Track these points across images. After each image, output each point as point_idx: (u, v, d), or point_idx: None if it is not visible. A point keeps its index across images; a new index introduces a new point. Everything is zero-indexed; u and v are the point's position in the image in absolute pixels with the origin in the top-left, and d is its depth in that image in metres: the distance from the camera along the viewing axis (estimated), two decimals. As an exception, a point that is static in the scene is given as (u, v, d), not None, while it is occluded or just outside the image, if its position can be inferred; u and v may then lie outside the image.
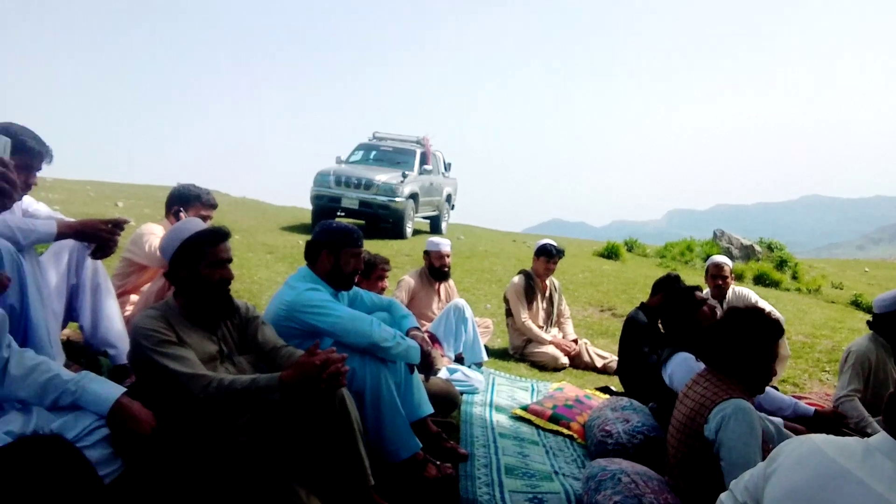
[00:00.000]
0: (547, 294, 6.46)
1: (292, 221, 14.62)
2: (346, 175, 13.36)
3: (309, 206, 14.03)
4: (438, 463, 3.21)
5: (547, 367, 6.01)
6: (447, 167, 17.03)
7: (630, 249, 16.30)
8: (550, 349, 6.10)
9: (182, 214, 4.11)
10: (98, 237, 3.09)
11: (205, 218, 4.09)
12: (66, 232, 3.01)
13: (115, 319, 3.49)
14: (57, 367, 2.08)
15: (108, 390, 2.14)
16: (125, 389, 2.00)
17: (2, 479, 1.03)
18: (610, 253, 14.64)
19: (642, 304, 5.19)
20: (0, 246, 2.49)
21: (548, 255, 6.34)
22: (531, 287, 6.31)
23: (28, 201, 3.31)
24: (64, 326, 3.48)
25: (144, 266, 4.05)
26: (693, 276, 10.56)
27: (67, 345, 3.40)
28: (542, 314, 6.37)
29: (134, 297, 4.07)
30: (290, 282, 3.26)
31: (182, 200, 4.18)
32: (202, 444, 2.52)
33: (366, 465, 2.61)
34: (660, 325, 4.96)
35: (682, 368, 3.50)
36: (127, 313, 3.86)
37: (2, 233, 2.63)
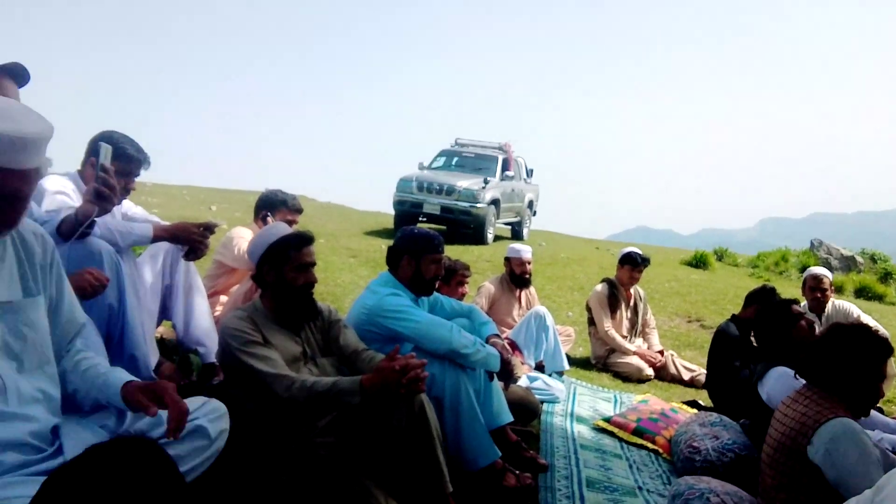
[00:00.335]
0: (631, 303, 6.29)
1: (375, 226, 14.86)
2: (428, 181, 13.46)
3: (391, 212, 14.22)
4: (518, 472, 3.15)
5: (631, 378, 5.84)
6: (529, 173, 16.91)
7: (720, 259, 15.69)
8: (634, 360, 5.93)
9: (269, 219, 4.22)
10: (190, 240, 3.22)
11: (290, 222, 4.19)
12: (161, 235, 3.15)
13: (205, 319, 3.62)
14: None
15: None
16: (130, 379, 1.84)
17: (94, 481, 1.06)
18: (698, 262, 14.14)
19: (734, 315, 4.97)
20: (100, 248, 2.62)
21: (633, 264, 6.18)
22: (615, 296, 6.16)
23: (127, 205, 3.47)
24: (158, 325, 3.64)
25: (234, 268, 4.18)
26: (788, 288, 10.05)
27: (161, 342, 3.55)
28: (626, 323, 6.21)
29: (223, 298, 4.21)
30: (371, 287, 3.29)
31: (269, 205, 4.30)
32: (284, 444, 2.57)
33: (444, 472, 2.59)
34: (752, 339, 4.74)
35: (780, 384, 3.32)
36: (217, 313, 3.99)
37: (102, 235, 2.77)
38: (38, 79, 2.62)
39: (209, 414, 2.02)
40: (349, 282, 7.49)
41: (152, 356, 3.15)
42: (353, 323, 3.11)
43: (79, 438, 1.71)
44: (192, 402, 2.03)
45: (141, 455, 1.10)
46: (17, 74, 2.48)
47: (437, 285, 3.43)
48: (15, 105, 1.58)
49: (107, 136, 3.08)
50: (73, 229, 2.53)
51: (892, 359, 2.62)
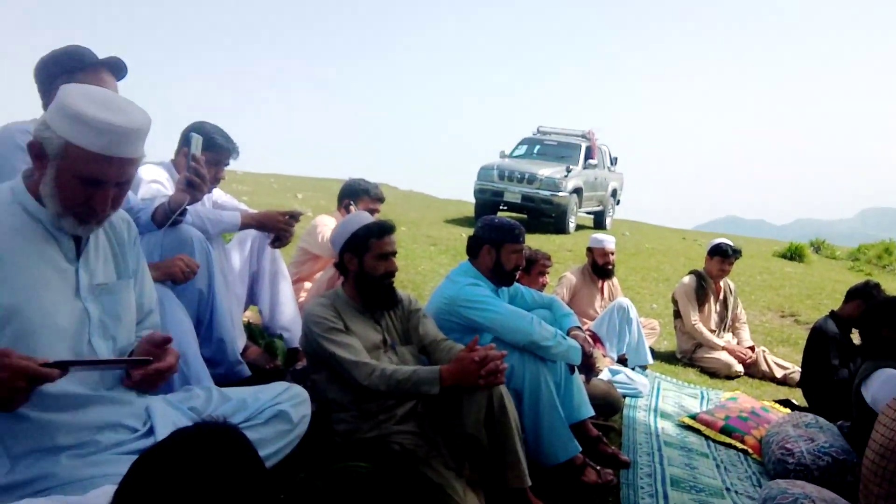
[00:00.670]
0: (721, 296, 6.04)
1: (456, 214, 14.89)
2: (510, 169, 13.36)
3: (472, 200, 14.21)
4: (599, 468, 3.08)
5: (719, 374, 5.62)
6: (613, 161, 16.53)
7: (817, 251, 14.90)
8: (723, 355, 5.71)
9: (352, 207, 4.28)
10: (276, 228, 3.31)
11: (373, 211, 4.23)
12: (248, 223, 3.24)
13: (290, 305, 3.71)
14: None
15: None
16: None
17: (178, 464, 1.10)
18: (793, 254, 13.46)
19: (833, 312, 4.69)
20: (192, 235, 2.71)
21: (723, 255, 5.93)
22: (703, 288, 5.93)
23: (217, 193, 3.59)
24: (245, 309, 3.75)
25: (317, 255, 4.26)
26: (893, 284, 9.43)
27: (248, 327, 3.65)
28: (714, 317, 5.97)
29: (308, 285, 4.30)
30: (451, 276, 3.28)
31: (352, 194, 4.36)
32: (363, 433, 2.60)
33: (523, 466, 2.56)
34: (852, 337, 4.46)
35: (889, 387, 3.11)
36: (301, 299, 4.08)
37: (193, 223, 2.86)
38: (134, 71, 2.73)
39: (292, 399, 2.06)
40: (429, 270, 7.53)
41: (240, 340, 3.25)
42: (432, 312, 3.11)
43: (168, 419, 1.78)
44: (275, 388, 2.08)
45: (222, 439, 1.13)
46: (116, 68, 2.58)
47: (517, 275, 3.38)
48: (121, 98, 1.67)
49: (198, 127, 3.19)
50: (166, 217, 2.63)
51: None
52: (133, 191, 3.00)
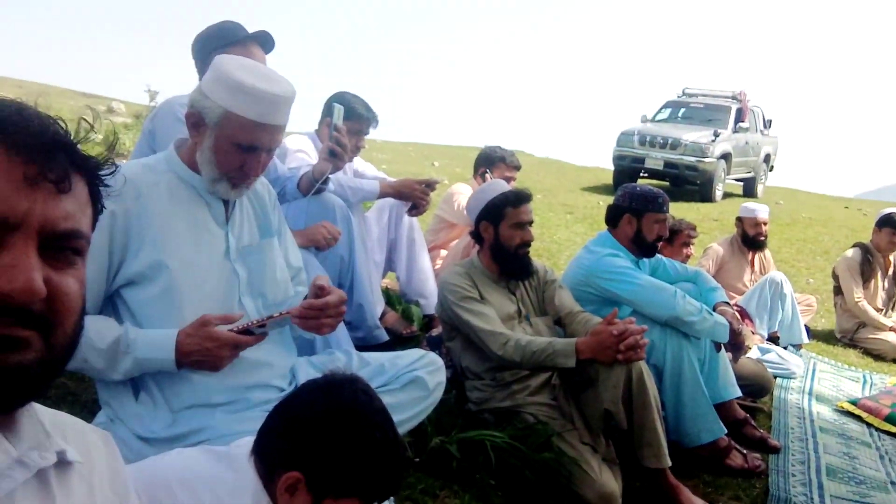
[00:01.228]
0: (890, 272, 5.48)
1: (593, 182, 14.50)
2: (652, 134, 12.77)
3: (610, 167, 13.76)
4: (745, 452, 2.91)
5: (885, 356, 5.13)
6: (767, 124, 15.35)
7: None
8: (891, 336, 5.20)
9: (488, 175, 4.25)
10: (413, 196, 3.35)
11: (508, 179, 4.18)
12: (387, 191, 3.31)
13: (426, 272, 3.76)
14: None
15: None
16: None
17: (307, 412, 1.15)
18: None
19: None
20: (334, 203, 2.79)
21: (893, 227, 5.36)
22: (869, 263, 5.40)
23: (357, 162, 3.68)
24: (383, 276, 3.85)
25: (454, 223, 4.28)
26: None
27: (386, 293, 3.75)
28: (881, 295, 5.44)
29: (443, 252, 4.34)
30: (589, 246, 3.18)
31: (488, 162, 4.33)
32: (496, 402, 2.60)
33: (663, 445, 2.45)
34: None
35: None
36: (437, 267, 4.13)
37: (335, 191, 2.95)
38: (281, 44, 2.83)
39: (428, 366, 2.08)
40: (565, 239, 7.40)
41: (378, 306, 3.34)
42: (568, 283, 3.03)
43: (310, 378, 1.85)
44: (412, 354, 2.11)
45: (349, 385, 1.17)
46: (264, 41, 2.68)
47: (659, 246, 3.22)
48: (269, 69, 1.78)
49: (339, 97, 3.27)
50: (310, 186, 2.72)
51: None
52: (280, 160, 3.14)
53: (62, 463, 0.75)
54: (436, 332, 3.50)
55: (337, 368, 2.00)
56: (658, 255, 3.33)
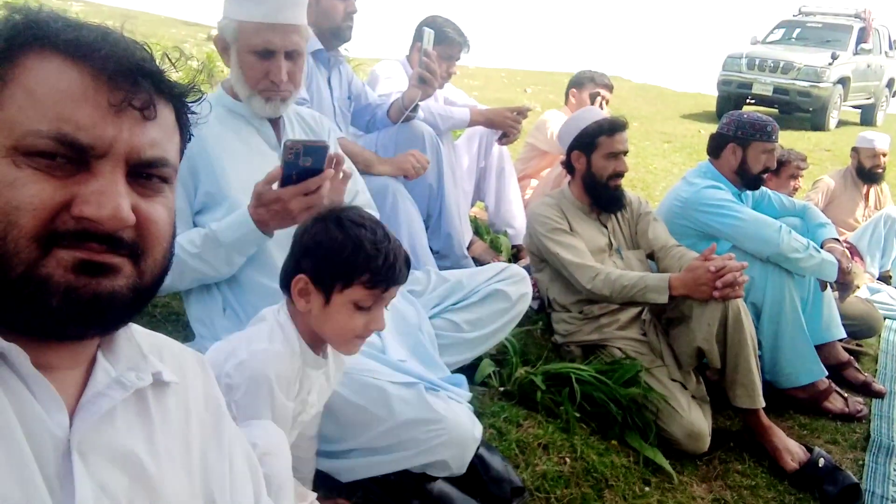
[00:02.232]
0: None
1: (693, 109, 13.77)
2: (761, 57, 11.91)
3: (714, 93, 13.00)
4: (846, 396, 2.78)
5: None
6: (893, 45, 14.01)
7: None
8: None
9: (573, 96, 4.12)
10: (504, 125, 3.28)
11: (597, 96, 4.02)
12: (477, 119, 3.24)
13: (515, 202, 3.71)
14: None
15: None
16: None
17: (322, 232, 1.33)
18: None
19: None
20: (423, 131, 2.76)
21: None
22: None
23: (448, 89, 3.61)
24: (472, 205, 3.82)
25: (545, 152, 4.18)
26: None
27: (474, 222, 3.74)
28: None
29: (534, 182, 4.26)
30: (688, 177, 3.02)
31: (575, 83, 4.17)
32: (583, 335, 2.57)
33: (757, 385, 2.37)
34: None
35: None
36: (526, 197, 4.07)
37: (425, 119, 2.92)
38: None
39: (509, 278, 2.07)
40: (661, 168, 7.11)
41: (466, 235, 3.33)
42: (664, 215, 2.91)
43: None
44: (492, 268, 2.12)
45: (340, 210, 1.35)
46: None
47: (765, 178, 3.03)
48: None
49: (430, 21, 3.19)
50: (400, 113, 2.70)
51: None
52: (371, 87, 3.12)
53: (159, 383, 0.78)
54: (523, 262, 3.47)
55: (414, 290, 2.04)
56: (763, 188, 3.14)
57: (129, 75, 0.66)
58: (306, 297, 1.29)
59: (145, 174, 0.69)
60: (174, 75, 0.76)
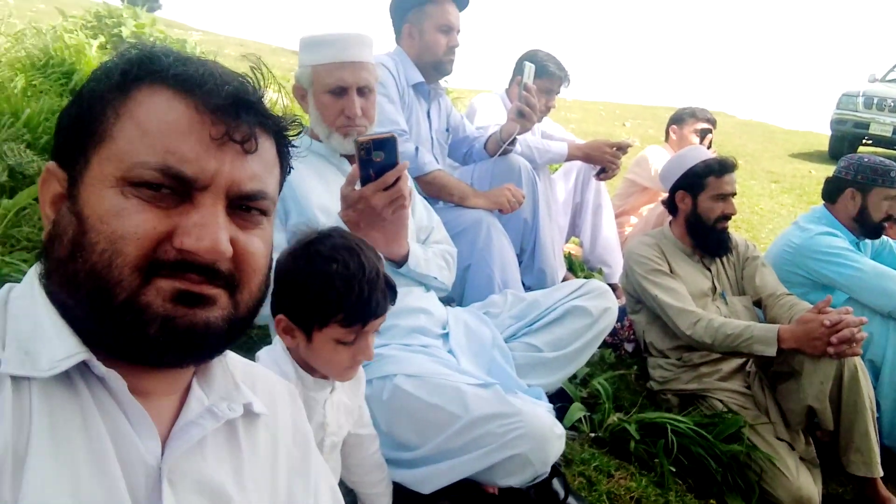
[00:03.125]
0: None
1: (804, 148, 13.13)
2: (880, 96, 11.23)
3: (826, 132, 12.35)
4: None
5: None
6: None
7: None
8: None
9: (673, 131, 3.99)
10: (602, 160, 3.20)
11: (708, 133, 3.87)
12: (575, 154, 3.18)
13: (611, 239, 3.60)
14: None
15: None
16: None
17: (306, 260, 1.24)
18: None
19: None
20: (519, 164, 2.73)
21: None
22: None
23: (546, 123, 3.57)
24: (566, 241, 3.74)
25: (645, 188, 4.06)
26: None
27: (568, 258, 3.65)
28: None
29: (632, 219, 4.14)
30: (801, 222, 2.85)
31: (676, 120, 4.04)
32: (681, 383, 2.44)
33: (875, 451, 2.18)
34: None
35: None
36: (624, 234, 3.96)
37: (522, 152, 2.88)
38: (476, 2, 2.78)
39: (588, 293, 1.97)
40: (768, 210, 6.78)
41: (559, 271, 3.25)
42: (773, 261, 2.75)
43: (459, 320, 1.93)
44: (571, 285, 2.02)
45: (314, 239, 1.26)
46: (458, -1, 2.67)
47: (886, 227, 2.81)
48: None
49: (531, 56, 3.17)
50: (497, 146, 2.68)
51: None
52: (469, 119, 3.12)
53: (249, 414, 0.78)
54: (619, 302, 3.36)
55: (490, 312, 2.00)
56: (883, 237, 2.91)
57: (232, 109, 0.67)
58: (290, 333, 1.25)
59: (245, 206, 0.70)
60: (282, 104, 0.76)
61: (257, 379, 0.85)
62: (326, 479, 0.91)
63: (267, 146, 0.72)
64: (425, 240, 2.01)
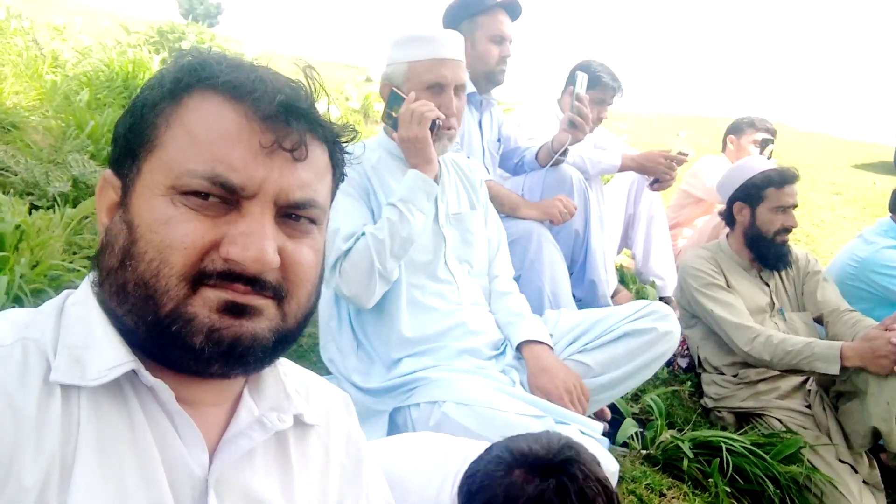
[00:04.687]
0: None
1: (867, 159, 12.64)
2: (951, 104, 10.79)
3: (891, 143, 11.89)
4: None
5: None
6: None
7: None
8: None
9: (731, 142, 3.89)
10: (656, 171, 3.13)
11: (768, 143, 3.76)
12: (628, 165, 3.13)
13: (665, 251, 3.52)
14: None
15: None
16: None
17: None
18: None
19: None
20: (571, 175, 2.69)
21: None
22: None
23: (598, 133, 3.53)
24: (618, 252, 3.68)
25: (700, 199, 3.97)
26: None
27: (620, 270, 3.59)
28: None
29: (686, 231, 4.05)
30: (865, 234, 2.74)
31: (734, 130, 3.94)
32: (737, 400, 2.37)
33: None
34: None
35: None
36: (678, 246, 3.87)
37: (574, 163, 2.85)
38: (528, 11, 2.78)
39: (649, 315, 1.86)
40: (830, 222, 6.54)
41: (611, 283, 3.20)
42: (835, 275, 2.66)
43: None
44: (631, 307, 1.91)
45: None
46: (511, 9, 2.66)
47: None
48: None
49: (585, 66, 3.14)
50: (548, 157, 2.66)
51: None
52: (520, 130, 3.11)
53: (300, 424, 0.77)
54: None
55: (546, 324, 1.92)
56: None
57: (281, 117, 0.66)
58: None
59: (294, 215, 0.69)
60: (334, 114, 0.75)
61: (311, 388, 0.84)
62: (380, 491, 0.89)
63: (318, 154, 0.71)
64: (494, 255, 2.02)
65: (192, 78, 0.67)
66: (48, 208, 2.23)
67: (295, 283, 0.69)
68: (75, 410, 0.61)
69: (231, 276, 0.64)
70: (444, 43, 1.79)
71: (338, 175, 0.77)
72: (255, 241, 0.64)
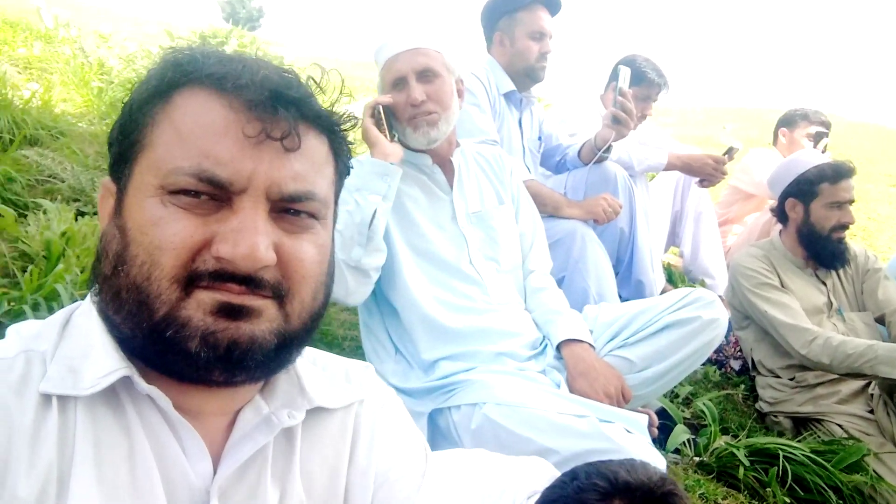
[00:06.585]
0: None
1: (925, 149, 12.19)
2: None
3: (952, 131, 11.42)
4: None
5: None
6: None
7: None
8: None
9: (783, 135, 3.75)
10: (703, 171, 3.05)
11: (823, 136, 3.62)
12: (675, 164, 3.04)
13: (714, 250, 3.42)
14: None
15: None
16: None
17: None
18: None
19: None
20: (616, 173, 2.63)
21: None
22: None
23: (643, 130, 3.44)
24: (665, 251, 3.59)
25: (750, 195, 3.85)
26: None
27: (667, 270, 3.50)
28: None
29: (736, 228, 3.93)
30: (930, 230, 2.61)
31: (787, 122, 3.79)
32: (794, 405, 2.27)
33: None
34: None
35: None
36: (728, 244, 3.76)
37: (619, 160, 2.78)
38: (569, 6, 2.73)
39: (694, 302, 1.75)
40: (887, 215, 6.30)
41: (658, 283, 3.11)
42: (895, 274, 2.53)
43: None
44: (673, 295, 1.81)
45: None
46: (550, 5, 2.61)
47: None
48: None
49: (629, 60, 3.06)
50: (592, 154, 2.59)
51: None
52: (562, 127, 3.04)
53: (319, 410, 0.74)
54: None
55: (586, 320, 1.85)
56: None
57: (268, 105, 0.62)
58: None
59: (292, 210, 0.65)
60: (340, 106, 0.72)
61: (351, 371, 0.83)
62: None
63: (314, 144, 0.67)
64: (528, 249, 1.95)
65: (177, 74, 0.64)
66: (94, 214, 2.26)
67: (295, 280, 0.65)
68: (72, 421, 0.59)
69: (224, 276, 0.60)
70: (394, 40, 1.80)
71: (341, 167, 0.72)
72: (245, 237, 0.60)
